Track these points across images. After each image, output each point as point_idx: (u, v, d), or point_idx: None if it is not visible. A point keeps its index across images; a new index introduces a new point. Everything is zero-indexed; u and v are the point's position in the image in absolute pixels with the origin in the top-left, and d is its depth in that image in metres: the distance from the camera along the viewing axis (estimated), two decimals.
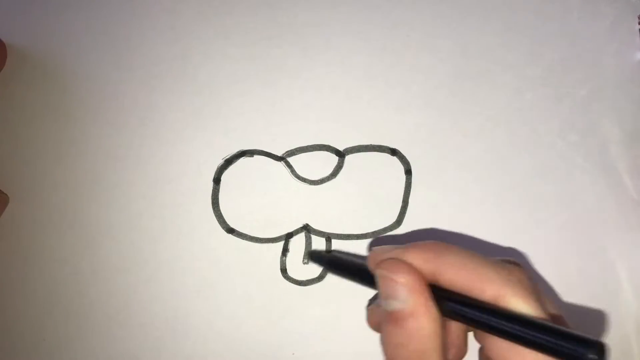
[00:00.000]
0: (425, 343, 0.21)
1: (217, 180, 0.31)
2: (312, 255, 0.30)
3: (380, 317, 0.23)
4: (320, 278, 0.31)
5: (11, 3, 0.31)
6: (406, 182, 0.31)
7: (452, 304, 0.21)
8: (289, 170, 0.31)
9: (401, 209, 0.31)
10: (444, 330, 0.21)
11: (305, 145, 0.31)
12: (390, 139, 0.32)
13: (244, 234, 0.31)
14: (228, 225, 0.31)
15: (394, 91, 0.32)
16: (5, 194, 0.31)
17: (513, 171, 0.32)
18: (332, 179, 0.31)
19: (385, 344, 0.22)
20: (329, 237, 0.31)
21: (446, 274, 0.21)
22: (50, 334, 0.31)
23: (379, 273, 0.22)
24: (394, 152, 0.31)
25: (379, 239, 0.31)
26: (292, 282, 0.31)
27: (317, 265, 0.30)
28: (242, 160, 0.31)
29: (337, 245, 0.31)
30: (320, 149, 0.32)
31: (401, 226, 0.31)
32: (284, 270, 0.31)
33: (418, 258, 0.22)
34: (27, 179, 0.31)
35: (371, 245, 0.31)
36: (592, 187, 0.32)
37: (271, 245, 0.31)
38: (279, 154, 0.31)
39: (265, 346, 0.31)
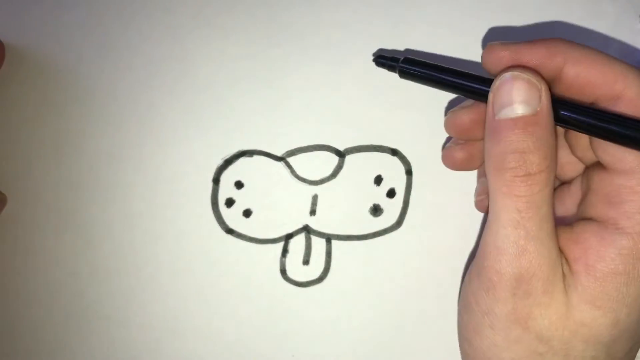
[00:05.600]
0: (552, 147, 0.20)
1: (216, 181, 0.31)
2: (379, 58, 0.27)
3: (471, 122, 0.23)
4: (320, 279, 0.31)
5: (10, 3, 0.31)
6: (407, 182, 0.31)
7: (566, 112, 0.21)
8: (289, 171, 0.31)
9: (402, 210, 0.31)
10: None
11: (305, 145, 0.31)
12: (391, 139, 0.31)
13: (244, 235, 0.31)
14: (227, 225, 0.31)
15: (394, 91, 0.31)
16: (3, 194, 0.31)
17: None
18: (332, 179, 0.31)
19: (502, 153, 0.21)
20: (329, 238, 0.31)
21: (575, 68, 0.21)
22: (48, 335, 0.31)
23: (506, 77, 0.21)
24: (394, 152, 0.31)
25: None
26: (291, 284, 0.31)
27: (384, 67, 0.27)
28: (242, 161, 0.31)
29: (337, 246, 0.31)
30: (320, 149, 0.31)
31: (402, 227, 0.31)
32: (283, 272, 0.31)
33: (544, 49, 0.21)
34: (25, 178, 0.31)
35: None
36: None
37: (271, 246, 0.31)
38: (279, 154, 0.31)
39: (265, 348, 0.31)
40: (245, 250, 0.31)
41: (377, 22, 0.32)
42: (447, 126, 0.26)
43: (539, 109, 0.20)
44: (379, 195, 0.31)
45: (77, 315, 0.31)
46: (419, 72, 0.26)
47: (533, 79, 0.20)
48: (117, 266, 0.31)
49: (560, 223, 0.23)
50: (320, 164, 0.31)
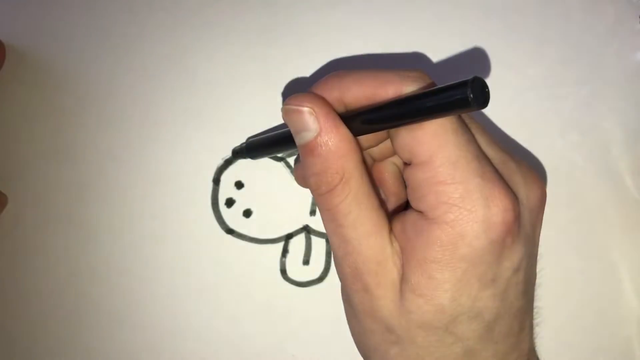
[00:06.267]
0: (342, 163, 0.21)
1: (216, 181, 0.31)
2: (234, 153, 0.30)
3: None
4: (320, 279, 0.31)
5: (11, 3, 0.31)
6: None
7: (354, 117, 0.21)
8: (289, 171, 0.31)
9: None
10: (362, 154, 0.22)
11: None
12: None
13: (244, 235, 0.31)
14: (227, 225, 0.31)
15: None
16: (4, 194, 0.31)
17: None
18: None
19: (307, 178, 0.22)
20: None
21: (350, 91, 0.22)
22: (49, 335, 0.31)
23: (284, 110, 0.22)
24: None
25: None
26: (291, 283, 0.31)
27: (241, 158, 0.30)
28: (242, 161, 0.31)
29: None
30: None
31: None
32: (283, 272, 0.31)
33: (322, 89, 0.22)
34: (25, 179, 0.31)
35: None
36: (593, 187, 0.32)
37: (271, 246, 0.31)
38: (279, 154, 0.31)
39: (265, 347, 0.31)
40: (245, 250, 0.31)
41: (377, 22, 0.32)
42: (297, 178, 0.28)
43: (317, 132, 0.21)
44: None
45: (78, 315, 0.31)
46: (256, 154, 0.28)
47: (301, 106, 0.21)
48: (117, 266, 0.31)
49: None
50: None
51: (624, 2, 0.32)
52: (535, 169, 0.23)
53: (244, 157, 0.30)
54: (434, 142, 0.20)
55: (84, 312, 0.31)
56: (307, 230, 0.31)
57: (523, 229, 0.21)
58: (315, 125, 0.21)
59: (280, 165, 0.31)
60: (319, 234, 0.31)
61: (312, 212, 0.31)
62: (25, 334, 0.31)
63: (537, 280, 0.24)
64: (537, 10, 0.32)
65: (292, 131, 0.22)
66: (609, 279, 0.31)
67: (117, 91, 0.31)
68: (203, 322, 0.31)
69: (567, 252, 0.31)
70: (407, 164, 0.22)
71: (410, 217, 0.21)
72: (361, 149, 0.22)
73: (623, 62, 0.32)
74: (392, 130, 0.21)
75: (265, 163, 0.31)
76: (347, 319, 0.24)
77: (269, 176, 0.31)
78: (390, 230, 0.22)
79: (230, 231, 0.31)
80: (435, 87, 0.19)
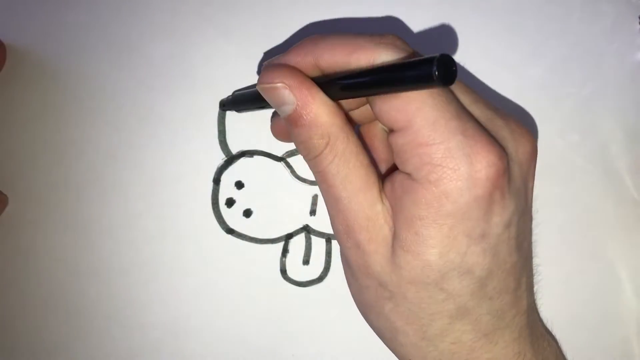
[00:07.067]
0: (326, 128, 0.22)
1: (217, 181, 0.31)
2: (222, 105, 0.31)
3: (283, 127, 0.25)
4: (320, 279, 0.31)
5: (11, 3, 0.31)
6: None
7: (329, 83, 0.21)
8: (289, 171, 0.31)
9: None
10: (345, 115, 0.22)
11: None
12: None
13: (244, 235, 0.31)
14: (228, 225, 0.31)
15: None
16: (4, 195, 0.31)
17: None
18: None
19: (296, 146, 0.23)
20: (329, 238, 0.31)
21: (324, 57, 0.22)
22: (49, 335, 0.31)
23: (259, 89, 0.23)
24: None
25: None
26: (291, 283, 0.31)
27: (228, 110, 0.30)
28: (242, 161, 0.31)
29: (337, 245, 0.31)
30: None
31: None
32: (283, 271, 0.31)
33: (296, 55, 0.23)
34: (26, 179, 0.31)
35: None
36: (593, 187, 0.32)
37: (271, 246, 0.31)
38: (279, 154, 0.31)
39: (265, 347, 0.31)
40: (245, 250, 0.31)
41: (377, 22, 0.32)
42: (273, 132, 0.28)
43: (295, 103, 0.22)
44: None
45: (78, 314, 0.31)
46: (242, 107, 0.29)
47: (274, 83, 0.22)
48: (118, 266, 0.31)
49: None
50: None
51: (624, 2, 0.32)
52: (524, 123, 0.23)
53: (231, 109, 0.30)
54: (410, 106, 0.20)
55: (84, 312, 0.31)
56: (307, 230, 0.31)
57: (513, 183, 0.21)
58: (291, 98, 0.22)
59: (280, 165, 0.31)
60: (319, 234, 0.31)
61: (312, 212, 0.31)
62: (25, 334, 0.31)
63: (534, 238, 0.24)
64: (536, 10, 0.32)
65: (274, 107, 0.23)
66: (608, 279, 0.31)
67: (117, 91, 0.31)
68: (203, 322, 0.31)
69: (566, 252, 0.32)
70: (390, 131, 0.22)
71: (398, 177, 0.22)
72: (344, 110, 0.23)
73: (623, 62, 0.32)
74: (370, 98, 0.22)
75: (265, 163, 0.31)
76: (347, 280, 0.25)
77: (269, 176, 0.31)
78: (382, 190, 0.22)
79: (230, 231, 0.31)
80: (402, 61, 0.18)
